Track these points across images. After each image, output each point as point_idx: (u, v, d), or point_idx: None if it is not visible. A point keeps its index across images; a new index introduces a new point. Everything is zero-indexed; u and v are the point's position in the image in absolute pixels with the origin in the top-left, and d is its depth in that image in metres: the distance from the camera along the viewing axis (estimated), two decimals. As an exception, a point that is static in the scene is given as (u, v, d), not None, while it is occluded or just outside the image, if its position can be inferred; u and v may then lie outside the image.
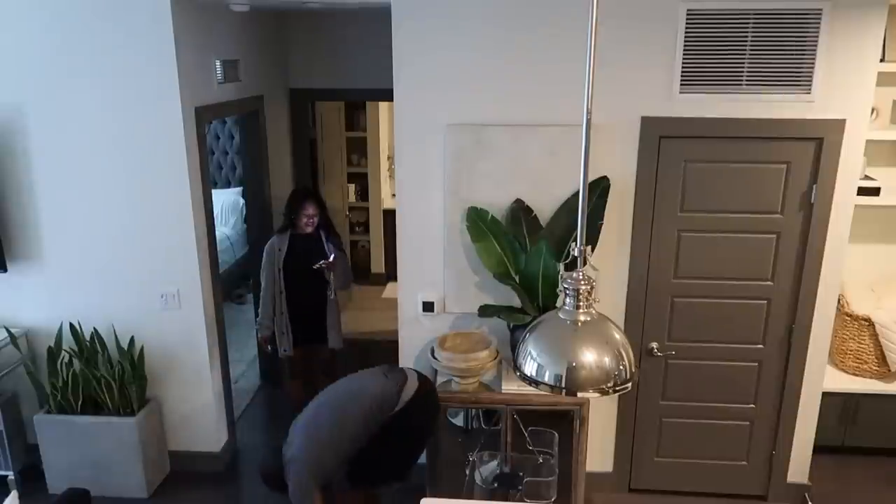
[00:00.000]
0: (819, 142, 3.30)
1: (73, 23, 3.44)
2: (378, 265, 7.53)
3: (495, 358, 3.32)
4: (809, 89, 3.23)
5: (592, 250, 1.68)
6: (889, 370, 4.03)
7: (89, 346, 3.75)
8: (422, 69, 3.35)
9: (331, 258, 4.06)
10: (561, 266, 1.73)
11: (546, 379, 1.58)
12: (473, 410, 3.65)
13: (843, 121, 3.25)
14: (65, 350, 3.75)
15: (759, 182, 3.38)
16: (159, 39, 3.43)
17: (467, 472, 3.35)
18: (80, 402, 3.73)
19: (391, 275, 7.11)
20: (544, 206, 3.45)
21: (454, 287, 3.62)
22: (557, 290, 3.17)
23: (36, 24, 3.46)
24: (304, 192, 4.21)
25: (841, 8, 3.12)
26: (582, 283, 1.61)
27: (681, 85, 3.28)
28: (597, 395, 1.58)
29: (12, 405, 3.86)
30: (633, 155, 3.40)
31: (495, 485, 3.27)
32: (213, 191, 4.76)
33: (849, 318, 4.05)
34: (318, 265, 4.03)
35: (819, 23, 3.14)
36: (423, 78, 3.37)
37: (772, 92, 3.25)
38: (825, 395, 3.73)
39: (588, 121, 1.56)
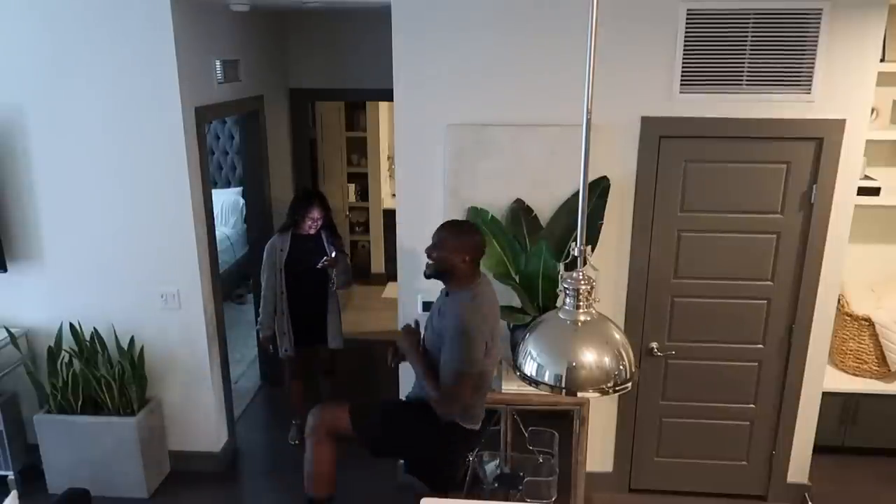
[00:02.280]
0: (819, 142, 3.30)
1: (72, 23, 3.44)
2: (378, 265, 7.53)
3: (495, 358, 3.32)
4: (809, 89, 3.23)
5: (592, 250, 1.68)
6: (889, 370, 4.03)
7: (89, 346, 3.74)
8: (422, 69, 3.35)
9: (332, 255, 4.06)
10: (561, 266, 1.72)
11: (546, 379, 1.58)
12: (473, 410, 3.65)
13: (843, 121, 3.25)
14: (65, 350, 3.75)
15: (759, 182, 3.38)
16: (159, 39, 3.42)
17: (467, 472, 3.35)
18: (80, 402, 3.73)
19: (391, 275, 7.10)
20: (544, 206, 3.45)
21: (454, 287, 3.62)
22: (557, 290, 3.17)
23: (36, 24, 3.46)
24: (310, 195, 4.19)
25: (841, 8, 3.12)
26: (582, 283, 1.61)
27: (681, 85, 3.28)
28: (597, 395, 1.58)
29: (12, 405, 3.85)
30: (633, 155, 3.40)
31: (495, 485, 3.27)
32: (213, 191, 4.75)
33: (849, 318, 4.05)
34: (321, 263, 4.03)
35: (819, 23, 3.14)
36: (423, 78, 3.37)
37: (772, 92, 3.25)
38: (825, 395, 3.73)
39: (588, 121, 1.56)
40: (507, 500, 3.22)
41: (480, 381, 2.75)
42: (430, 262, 2.80)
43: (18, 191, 3.69)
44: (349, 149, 7.11)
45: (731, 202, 3.42)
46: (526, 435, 3.34)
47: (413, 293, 3.66)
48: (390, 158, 7.35)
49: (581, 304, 1.62)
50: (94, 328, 3.78)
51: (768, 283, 3.52)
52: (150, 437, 3.86)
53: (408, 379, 3.82)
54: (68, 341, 3.77)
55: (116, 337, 3.78)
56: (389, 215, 6.97)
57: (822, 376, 3.65)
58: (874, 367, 4.05)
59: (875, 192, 3.87)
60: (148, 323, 3.83)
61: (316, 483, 3.01)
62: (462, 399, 2.68)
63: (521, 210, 3.44)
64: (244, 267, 6.44)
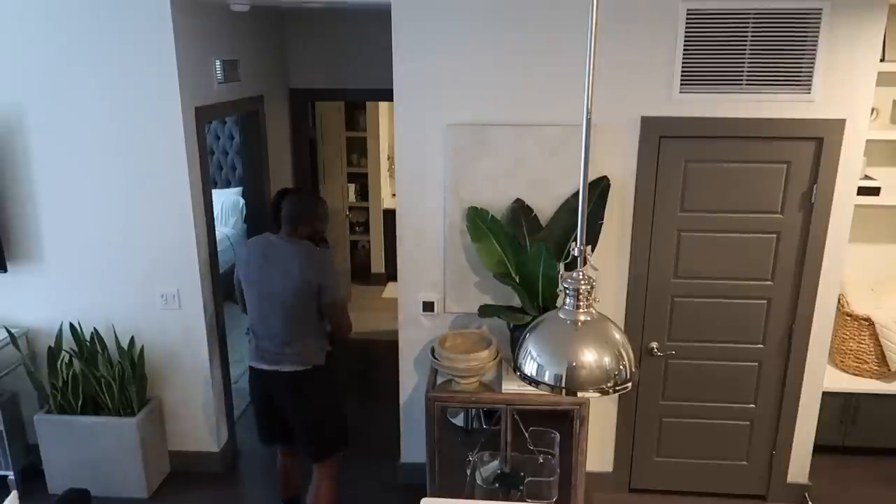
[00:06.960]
0: (819, 142, 3.30)
1: (73, 22, 3.44)
2: (378, 265, 7.53)
3: (495, 358, 3.32)
4: (809, 89, 3.23)
5: (592, 250, 1.68)
6: (889, 370, 4.03)
7: (89, 346, 3.74)
8: (422, 69, 3.35)
9: None
10: (561, 266, 1.73)
11: (546, 379, 1.58)
12: (473, 410, 3.65)
13: (843, 121, 3.25)
14: (65, 350, 3.75)
15: (759, 182, 3.38)
16: (159, 39, 3.43)
17: (467, 472, 3.35)
18: (80, 402, 3.73)
19: (391, 275, 7.10)
20: (544, 206, 3.45)
21: (454, 287, 3.62)
22: (557, 290, 3.17)
23: (36, 23, 3.46)
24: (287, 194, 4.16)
25: (841, 8, 3.12)
26: (582, 282, 1.61)
27: (681, 85, 3.27)
28: (597, 395, 1.57)
29: (12, 405, 3.85)
30: (633, 155, 3.40)
31: (496, 485, 3.27)
32: (213, 191, 4.76)
33: (849, 318, 4.05)
34: None
35: (819, 23, 3.14)
36: (423, 78, 3.37)
37: (772, 92, 3.25)
38: (825, 395, 3.73)
39: (588, 121, 1.56)
40: (507, 500, 3.22)
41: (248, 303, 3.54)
42: None
43: (18, 190, 3.69)
44: (349, 149, 7.11)
45: (731, 202, 3.42)
46: (526, 435, 3.33)
47: (413, 293, 3.66)
48: (390, 158, 7.35)
49: (581, 304, 1.62)
50: (94, 328, 3.78)
51: (768, 282, 3.52)
52: (150, 437, 3.86)
53: (409, 379, 3.82)
54: (68, 341, 3.77)
55: (116, 337, 3.78)
56: (389, 215, 6.98)
57: (822, 376, 3.65)
58: (874, 367, 4.06)
59: (875, 192, 3.87)
60: (148, 323, 3.83)
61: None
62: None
63: (521, 210, 3.44)
64: (244, 267, 6.42)
